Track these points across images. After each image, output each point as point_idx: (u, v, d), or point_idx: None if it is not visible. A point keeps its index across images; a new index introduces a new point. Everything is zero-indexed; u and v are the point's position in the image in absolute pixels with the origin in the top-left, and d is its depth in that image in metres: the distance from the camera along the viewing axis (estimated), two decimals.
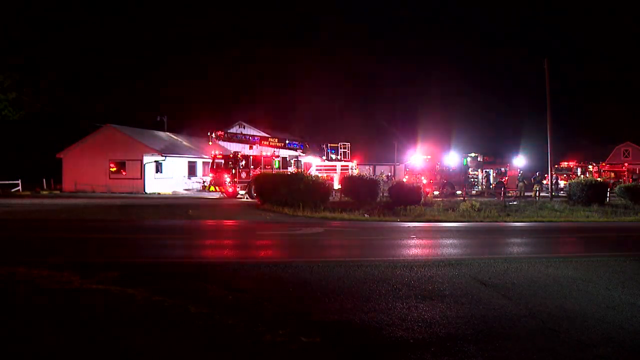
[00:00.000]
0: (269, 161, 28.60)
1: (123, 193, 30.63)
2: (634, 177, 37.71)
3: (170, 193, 31.34)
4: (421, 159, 31.71)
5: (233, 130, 39.11)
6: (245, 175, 27.10)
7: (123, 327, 5.00)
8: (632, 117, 54.73)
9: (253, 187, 24.47)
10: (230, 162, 27.10)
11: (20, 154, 38.66)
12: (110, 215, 17.05)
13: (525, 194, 30.89)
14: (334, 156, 29.74)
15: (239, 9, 74.60)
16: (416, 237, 13.39)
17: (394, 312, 5.76)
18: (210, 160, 28.93)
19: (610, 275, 8.08)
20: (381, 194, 23.48)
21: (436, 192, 28.94)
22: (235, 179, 26.91)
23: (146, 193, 30.70)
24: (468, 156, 31.71)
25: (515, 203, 24.44)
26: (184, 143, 37.93)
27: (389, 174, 46.02)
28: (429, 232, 14.85)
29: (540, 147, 33.95)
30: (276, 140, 29.53)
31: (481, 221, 17.69)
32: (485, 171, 31.74)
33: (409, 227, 15.74)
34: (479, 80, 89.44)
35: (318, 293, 6.61)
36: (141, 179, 31.37)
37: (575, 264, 9.02)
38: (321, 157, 29.50)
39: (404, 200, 20.59)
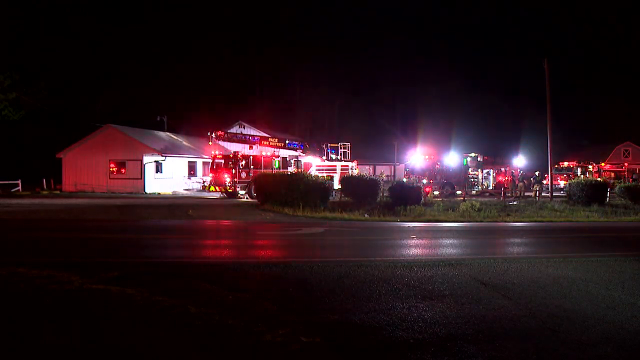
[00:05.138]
0: (269, 161, 28.59)
1: (123, 193, 30.61)
2: (634, 177, 37.71)
3: (170, 193, 31.33)
4: (421, 159, 31.71)
5: (233, 130, 39.05)
6: (245, 175, 27.08)
7: (123, 327, 5.00)
8: (632, 117, 54.67)
9: (253, 187, 24.46)
10: (230, 162, 27.08)
11: (20, 154, 38.60)
12: (110, 215, 17.04)
13: (525, 194, 30.90)
14: (334, 156, 29.73)
15: (239, 8, 74.54)
16: (416, 237, 13.39)
17: (394, 312, 5.76)
18: (210, 160, 28.91)
19: (610, 275, 8.08)
20: (381, 194, 23.48)
21: (436, 192, 28.94)
22: (235, 179, 26.90)
23: (146, 193, 30.68)
24: (468, 156, 31.69)
25: (515, 203, 24.45)
26: (184, 143, 37.91)
27: (389, 174, 46.04)
28: (429, 232, 14.85)
29: (540, 147, 33.98)
30: (276, 140, 29.52)
31: (481, 221, 17.70)
32: (486, 171, 31.73)
33: (409, 227, 15.74)
34: (479, 80, 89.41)
35: (318, 293, 6.61)
36: (141, 179, 31.35)
37: (575, 264, 9.02)
38: (321, 157, 29.48)
39: (404, 200, 20.57)
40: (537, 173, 31.49)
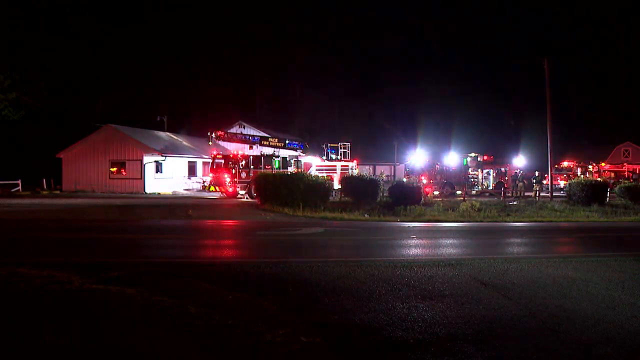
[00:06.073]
0: (269, 161, 28.58)
1: (123, 193, 30.61)
2: (634, 177, 37.71)
3: (170, 193, 31.32)
4: (421, 159, 31.71)
5: (233, 130, 39.03)
6: (245, 175, 27.08)
7: (123, 327, 5.00)
8: (632, 117, 54.76)
9: (253, 187, 24.45)
10: (230, 162, 27.08)
11: (20, 154, 38.60)
12: (110, 215, 17.04)
13: (525, 194, 30.90)
14: (334, 156, 29.72)
15: (239, 8, 74.65)
16: (416, 237, 13.38)
17: (394, 312, 5.76)
18: (210, 160, 28.92)
19: (610, 275, 8.08)
20: (381, 194, 23.47)
21: (436, 192, 28.94)
22: (235, 179, 26.89)
23: (146, 193, 30.67)
24: (468, 156, 31.70)
25: (515, 203, 24.44)
26: (184, 143, 37.90)
27: (389, 174, 46.04)
28: (429, 232, 14.84)
29: (540, 147, 33.99)
30: (276, 140, 29.52)
31: (481, 221, 17.69)
32: (486, 171, 31.73)
33: (409, 227, 15.74)
34: (479, 80, 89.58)
35: (318, 293, 6.61)
36: (141, 179, 31.34)
37: (575, 264, 9.02)
38: (321, 157, 29.48)
39: (404, 200, 20.58)
40: (537, 173, 31.48)
